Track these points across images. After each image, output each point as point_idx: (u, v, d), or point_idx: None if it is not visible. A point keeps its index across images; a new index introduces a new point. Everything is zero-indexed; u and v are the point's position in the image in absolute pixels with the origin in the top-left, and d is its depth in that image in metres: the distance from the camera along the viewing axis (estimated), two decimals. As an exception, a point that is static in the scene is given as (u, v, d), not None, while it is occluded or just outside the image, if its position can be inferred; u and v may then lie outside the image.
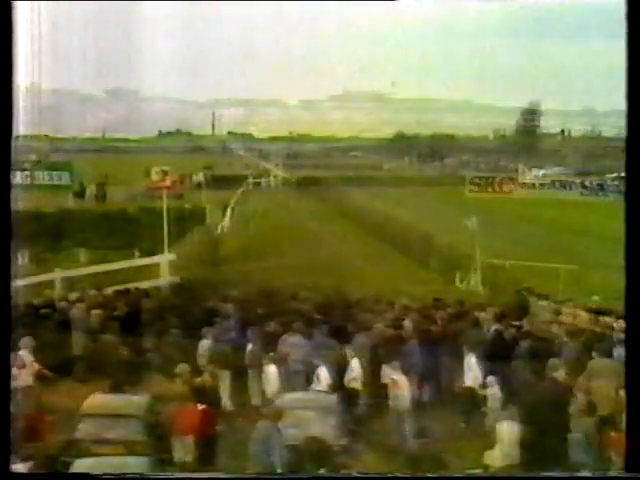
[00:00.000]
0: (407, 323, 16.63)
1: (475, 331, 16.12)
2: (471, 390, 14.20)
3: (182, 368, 13.77)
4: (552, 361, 12.70)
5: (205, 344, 15.49)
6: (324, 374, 14.10)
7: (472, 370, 14.41)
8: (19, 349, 14.72)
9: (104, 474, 7.51)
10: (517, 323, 16.54)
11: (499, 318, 16.87)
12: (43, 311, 17.48)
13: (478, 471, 10.88)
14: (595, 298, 18.07)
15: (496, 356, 15.51)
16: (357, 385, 14.38)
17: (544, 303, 17.55)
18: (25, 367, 14.30)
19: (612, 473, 10.33)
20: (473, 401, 14.13)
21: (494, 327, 16.27)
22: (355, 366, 14.49)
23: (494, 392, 13.89)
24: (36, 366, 14.52)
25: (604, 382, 12.34)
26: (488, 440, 11.88)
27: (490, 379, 14.12)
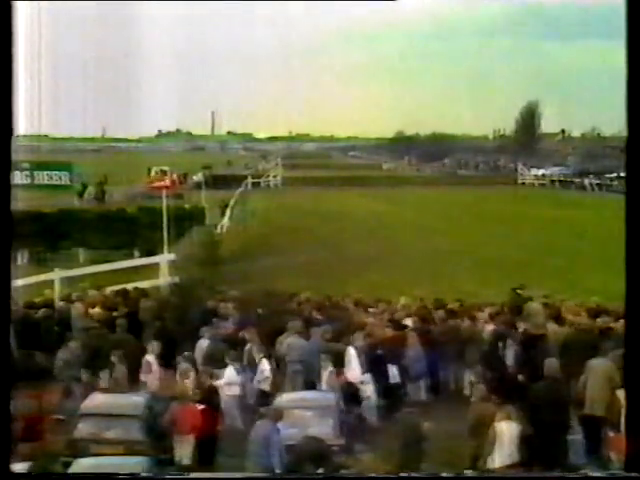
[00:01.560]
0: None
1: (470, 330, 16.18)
2: (351, 384, 14.05)
3: (183, 367, 13.79)
4: (549, 360, 12.68)
5: (203, 344, 15.47)
6: (230, 373, 14.04)
7: (351, 364, 14.35)
8: (145, 353, 14.67)
9: (104, 474, 7.52)
10: (514, 322, 16.45)
11: (496, 318, 16.81)
12: (42, 311, 17.42)
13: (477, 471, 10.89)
14: (594, 299, 18.03)
15: (492, 355, 15.53)
16: (267, 387, 14.28)
17: (542, 302, 17.48)
18: (152, 372, 14.23)
19: (612, 473, 10.32)
20: (353, 395, 13.93)
21: (490, 327, 16.24)
22: (265, 367, 14.39)
23: (368, 389, 13.87)
24: (162, 371, 14.33)
25: (601, 382, 12.31)
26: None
27: (366, 376, 14.12)
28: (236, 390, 14.02)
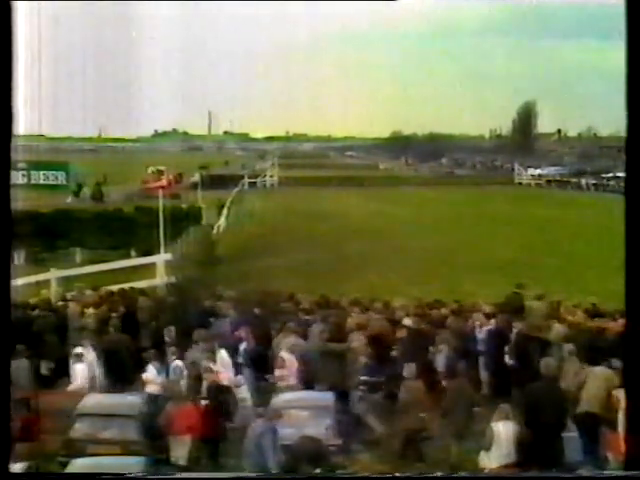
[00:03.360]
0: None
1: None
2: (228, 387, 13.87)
3: (178, 367, 13.77)
4: (546, 360, 12.67)
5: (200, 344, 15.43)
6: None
7: (223, 366, 14.28)
8: (280, 350, 14.62)
9: (102, 474, 7.51)
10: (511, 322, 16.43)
11: (493, 317, 16.78)
12: (39, 311, 17.39)
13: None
14: (591, 299, 18.03)
15: (489, 355, 15.53)
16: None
17: (539, 303, 17.47)
18: (284, 367, 14.20)
19: (611, 472, 10.34)
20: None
21: (487, 327, 16.20)
22: (177, 365, 14.16)
23: (242, 391, 13.82)
24: (296, 365, 14.28)
25: (599, 382, 12.32)
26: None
27: (239, 378, 14.11)
28: (155, 389, 13.80)
